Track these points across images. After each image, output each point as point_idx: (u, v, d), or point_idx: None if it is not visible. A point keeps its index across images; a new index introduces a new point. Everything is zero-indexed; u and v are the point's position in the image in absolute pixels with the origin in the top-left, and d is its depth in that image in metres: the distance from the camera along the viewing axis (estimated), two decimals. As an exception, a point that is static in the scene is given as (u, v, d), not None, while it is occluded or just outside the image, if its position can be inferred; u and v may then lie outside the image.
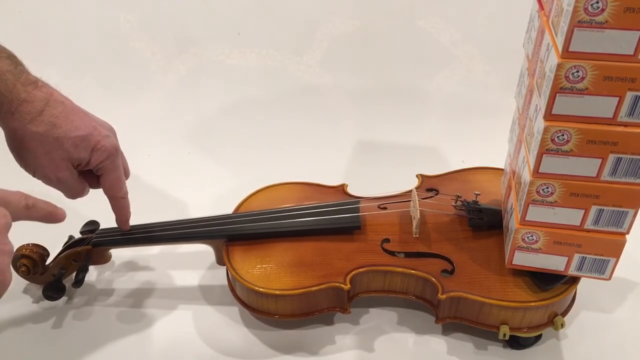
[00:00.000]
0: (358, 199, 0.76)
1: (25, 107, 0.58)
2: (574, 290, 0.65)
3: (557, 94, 0.50)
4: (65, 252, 0.71)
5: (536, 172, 0.55)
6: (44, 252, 0.71)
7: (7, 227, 0.48)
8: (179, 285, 0.77)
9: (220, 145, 1.07)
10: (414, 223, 0.70)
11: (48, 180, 0.62)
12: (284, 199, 0.78)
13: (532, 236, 0.60)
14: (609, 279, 0.61)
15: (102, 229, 0.75)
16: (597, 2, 0.45)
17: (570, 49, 0.48)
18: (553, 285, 0.63)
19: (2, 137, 0.60)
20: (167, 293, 0.76)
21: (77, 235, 0.75)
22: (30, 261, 0.69)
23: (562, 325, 0.64)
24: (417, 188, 0.78)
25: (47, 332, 0.70)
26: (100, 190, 0.67)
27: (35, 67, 0.61)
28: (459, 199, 0.74)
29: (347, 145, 1.06)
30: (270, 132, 1.10)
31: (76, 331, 0.70)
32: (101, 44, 1.19)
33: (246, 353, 0.67)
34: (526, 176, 0.57)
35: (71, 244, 0.73)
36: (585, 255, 0.60)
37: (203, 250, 0.75)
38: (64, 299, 0.73)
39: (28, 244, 0.70)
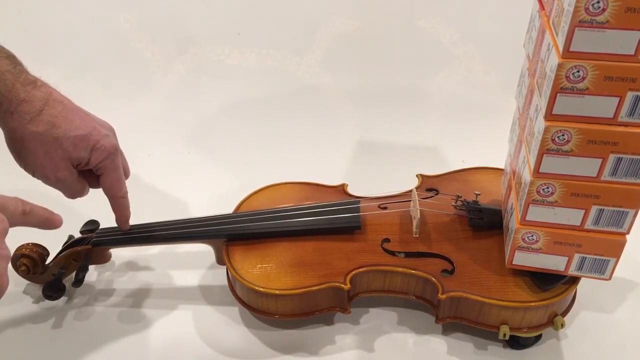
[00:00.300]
0: (358, 199, 0.76)
1: (24, 106, 0.58)
2: (574, 290, 0.65)
3: (558, 94, 0.50)
4: (65, 252, 0.71)
5: (536, 172, 0.55)
6: (44, 252, 0.71)
7: (5, 232, 0.48)
8: (179, 285, 0.77)
9: (220, 145, 1.07)
10: (414, 223, 0.70)
11: (48, 180, 0.62)
12: (284, 198, 0.78)
13: (532, 236, 0.60)
14: (609, 279, 0.61)
15: (102, 229, 0.75)
16: (598, 2, 0.45)
17: (571, 49, 0.48)
18: (553, 285, 0.63)
19: (1, 137, 0.60)
20: (167, 293, 0.75)
21: (77, 235, 0.75)
22: (30, 261, 0.69)
23: (562, 325, 0.64)
24: (417, 188, 0.78)
25: (47, 332, 0.69)
26: (100, 190, 0.67)
27: (35, 67, 0.61)
28: (459, 199, 0.74)
29: (347, 145, 1.06)
30: (270, 132, 1.10)
31: (76, 331, 0.70)
32: (101, 44, 1.19)
33: (246, 353, 0.67)
34: (526, 176, 0.57)
35: (71, 243, 0.73)
36: (585, 255, 0.60)
37: (203, 250, 0.75)
38: (64, 299, 0.73)
39: (28, 244, 0.70)
